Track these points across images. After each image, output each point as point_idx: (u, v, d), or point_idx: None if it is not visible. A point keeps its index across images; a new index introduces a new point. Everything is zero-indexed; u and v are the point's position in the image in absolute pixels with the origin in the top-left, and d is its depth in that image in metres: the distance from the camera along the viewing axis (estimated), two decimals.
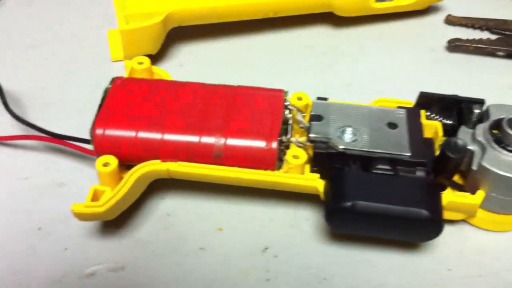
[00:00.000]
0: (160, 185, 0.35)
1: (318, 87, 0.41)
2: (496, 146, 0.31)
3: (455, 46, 0.45)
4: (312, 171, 0.32)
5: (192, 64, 0.44)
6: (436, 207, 0.29)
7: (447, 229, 0.34)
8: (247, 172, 0.30)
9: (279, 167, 0.31)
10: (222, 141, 0.30)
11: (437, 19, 0.48)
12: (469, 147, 0.32)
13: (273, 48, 0.45)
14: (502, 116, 0.32)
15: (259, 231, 0.33)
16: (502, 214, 0.33)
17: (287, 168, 0.31)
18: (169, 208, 0.34)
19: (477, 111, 0.33)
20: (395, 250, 0.33)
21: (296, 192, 0.32)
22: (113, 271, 0.31)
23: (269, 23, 0.46)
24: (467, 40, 0.45)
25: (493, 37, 0.46)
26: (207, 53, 0.45)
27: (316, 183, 0.31)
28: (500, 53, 0.45)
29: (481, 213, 0.33)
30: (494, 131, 0.32)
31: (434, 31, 0.47)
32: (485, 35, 0.47)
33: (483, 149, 0.31)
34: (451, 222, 0.34)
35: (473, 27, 0.47)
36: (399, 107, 0.34)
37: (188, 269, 0.32)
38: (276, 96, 0.33)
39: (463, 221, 0.34)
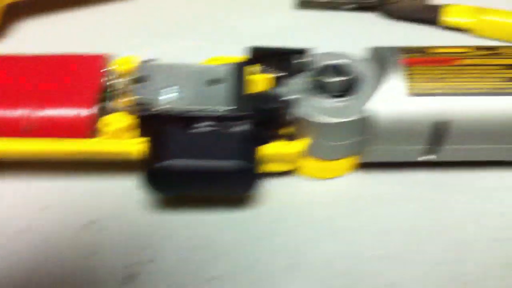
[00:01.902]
0: None
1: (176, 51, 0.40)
2: (315, 93, 0.31)
3: (302, 2, 0.45)
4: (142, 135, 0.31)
5: (37, 41, 0.42)
6: (250, 158, 0.29)
7: (279, 181, 0.34)
8: (56, 142, 0.29)
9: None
10: (30, 112, 0.29)
11: None
12: (290, 97, 0.32)
13: (126, 16, 0.44)
14: (322, 64, 0.32)
15: (87, 206, 0.32)
16: (329, 160, 0.33)
17: (107, 135, 0.30)
18: None
19: (301, 60, 0.33)
20: (227, 208, 0.33)
21: (126, 161, 0.31)
22: None
23: None
24: None
25: None
26: (59, 27, 0.43)
27: (131, 147, 0.30)
28: (349, 6, 0.45)
29: (310, 162, 0.33)
30: (314, 78, 0.32)
31: None
32: None
33: (305, 97, 0.31)
34: (283, 174, 0.34)
35: None
36: (227, 63, 0.33)
37: (12, 251, 0.30)
38: (95, 62, 0.32)
39: (295, 172, 0.34)
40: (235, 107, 0.31)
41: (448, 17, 0.44)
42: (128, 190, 0.33)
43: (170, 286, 0.30)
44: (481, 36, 0.43)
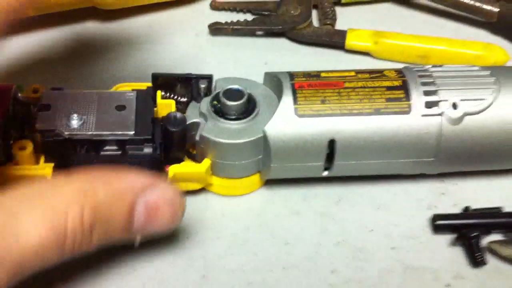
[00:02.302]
0: None
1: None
2: (216, 116, 0.34)
3: (215, 29, 0.48)
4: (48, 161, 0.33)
5: None
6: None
7: (189, 199, 0.36)
8: None
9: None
10: None
11: (203, 6, 0.51)
12: (193, 120, 0.34)
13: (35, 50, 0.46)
14: (221, 89, 0.35)
15: None
16: (234, 178, 0.36)
17: (17, 161, 0.32)
18: None
19: (203, 85, 0.36)
20: None
21: None
22: None
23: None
24: (226, 23, 0.48)
25: (255, 17, 0.49)
26: None
27: (44, 171, 0.32)
28: (259, 32, 0.48)
29: (216, 180, 0.36)
30: (215, 102, 0.35)
31: (200, 17, 0.49)
32: (248, 17, 0.50)
33: (206, 120, 0.34)
34: (193, 192, 0.36)
35: (236, 10, 0.50)
36: (133, 90, 0.36)
37: None
38: (4, 90, 0.33)
39: (205, 190, 0.37)
40: (140, 131, 0.33)
41: (351, 41, 0.47)
42: None
43: None
44: (381, 58, 0.47)
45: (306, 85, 0.35)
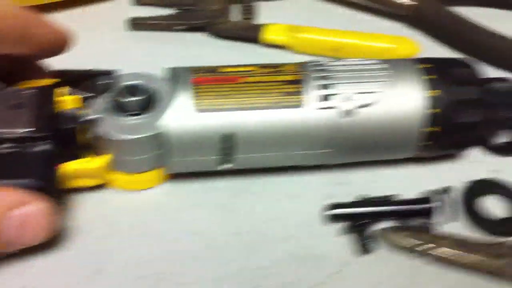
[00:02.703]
0: None
1: None
2: (115, 112, 0.35)
3: (134, 24, 0.49)
4: None
5: None
6: (46, 175, 0.33)
7: (90, 195, 0.37)
8: None
9: None
10: None
11: (125, 1, 0.52)
12: (92, 116, 0.35)
13: None
14: (120, 85, 0.36)
15: None
16: (136, 173, 0.37)
17: None
18: None
19: (105, 81, 0.37)
20: None
21: None
22: None
23: None
24: (145, 18, 0.49)
25: (175, 13, 0.50)
26: None
27: None
28: (180, 27, 0.49)
29: (117, 176, 0.37)
30: (115, 98, 0.36)
31: (122, 13, 0.50)
32: (170, 11, 0.51)
33: (106, 116, 0.35)
34: (94, 188, 0.37)
35: (158, 5, 0.51)
36: (33, 87, 0.36)
37: None
38: None
39: (107, 185, 0.38)
40: (35, 128, 0.34)
41: (267, 36, 0.48)
42: None
43: None
44: (297, 51, 0.49)
45: (205, 80, 0.36)
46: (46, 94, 0.36)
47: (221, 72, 0.37)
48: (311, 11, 0.53)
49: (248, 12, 0.50)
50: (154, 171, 0.37)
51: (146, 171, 0.37)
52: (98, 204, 0.37)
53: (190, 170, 0.38)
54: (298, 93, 0.36)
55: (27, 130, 0.33)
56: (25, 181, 0.32)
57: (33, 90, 0.36)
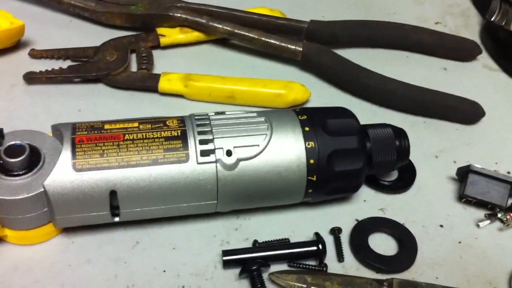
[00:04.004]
0: None
1: None
2: (1, 172, 0.37)
3: (30, 78, 0.51)
4: None
5: None
6: None
7: None
8: None
9: None
10: None
11: (23, 54, 0.54)
12: None
13: None
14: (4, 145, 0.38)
15: None
16: (26, 229, 0.39)
17: None
18: None
19: None
20: None
21: None
22: None
23: None
24: (40, 72, 0.51)
25: (71, 65, 0.53)
26: None
27: None
28: (76, 79, 0.52)
29: (9, 232, 0.39)
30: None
31: (19, 67, 0.52)
32: (67, 64, 0.53)
33: None
34: None
35: (55, 58, 0.53)
36: None
37: None
38: None
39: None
40: None
41: (163, 85, 0.52)
42: None
43: None
44: (193, 99, 0.52)
45: (86, 139, 0.39)
46: None
47: (105, 130, 0.40)
48: (209, 58, 0.56)
49: (145, 61, 0.53)
50: (44, 227, 0.40)
51: (35, 227, 0.39)
52: None
53: (79, 224, 0.40)
54: (180, 148, 0.39)
55: None
56: None
57: None
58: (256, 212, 0.44)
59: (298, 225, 0.44)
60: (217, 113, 0.42)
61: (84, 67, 0.52)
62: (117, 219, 0.40)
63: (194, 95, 0.52)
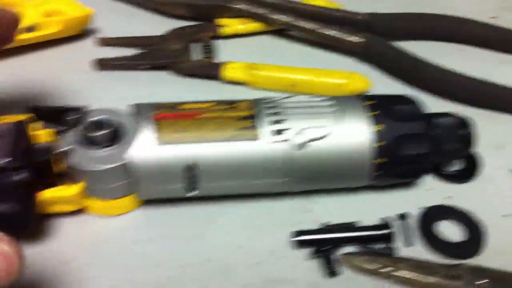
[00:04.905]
0: None
1: None
2: (85, 145, 0.41)
3: (101, 64, 0.55)
4: None
5: None
6: (23, 201, 0.38)
7: (65, 221, 0.43)
8: None
9: None
10: None
11: (90, 42, 0.58)
12: (64, 148, 0.41)
13: None
14: (89, 119, 0.42)
15: None
16: (109, 199, 0.43)
17: None
18: None
19: (75, 116, 0.43)
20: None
21: None
22: None
23: None
24: (111, 59, 0.55)
25: (138, 53, 0.57)
26: None
27: None
28: (144, 67, 0.56)
29: (93, 202, 0.43)
30: (84, 132, 0.42)
31: (87, 53, 0.56)
32: (133, 52, 0.57)
33: (75, 148, 0.41)
34: (73, 213, 0.43)
35: (122, 46, 0.57)
36: (8, 122, 0.42)
37: None
38: None
39: (82, 211, 0.43)
40: (12, 159, 0.39)
41: (227, 73, 0.55)
42: None
43: None
44: (255, 87, 0.55)
45: (167, 116, 0.42)
46: (20, 128, 0.41)
47: (181, 109, 0.43)
48: (269, 48, 0.60)
49: (208, 50, 0.57)
50: (126, 198, 0.43)
51: (118, 198, 0.43)
52: (74, 230, 0.43)
53: (158, 197, 0.44)
54: (252, 127, 0.42)
55: (4, 160, 0.39)
56: (6, 206, 0.37)
57: (8, 125, 0.41)
58: (324, 195, 0.46)
59: (364, 209, 0.46)
60: (285, 97, 0.45)
61: (151, 55, 0.56)
62: (195, 192, 0.43)
63: (257, 84, 0.55)
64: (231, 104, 0.44)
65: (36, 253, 0.41)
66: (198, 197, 0.44)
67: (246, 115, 0.43)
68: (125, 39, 0.58)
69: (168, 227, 0.44)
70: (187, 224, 0.44)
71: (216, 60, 0.57)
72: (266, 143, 0.42)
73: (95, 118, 0.42)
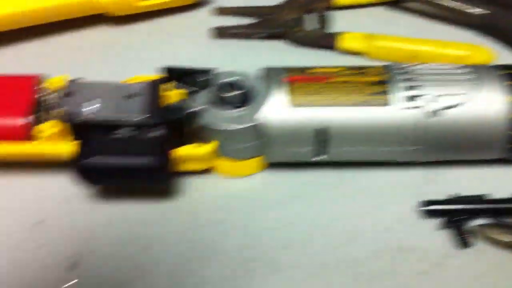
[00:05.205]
0: None
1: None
2: (218, 105, 0.42)
3: (218, 33, 0.55)
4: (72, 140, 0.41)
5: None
6: (162, 156, 0.39)
7: (196, 179, 0.44)
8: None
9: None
10: None
11: (205, 11, 0.59)
12: (197, 108, 0.42)
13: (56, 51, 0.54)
14: (222, 81, 0.42)
15: (32, 204, 0.42)
16: (238, 160, 0.43)
17: (42, 139, 0.40)
18: None
19: (206, 78, 0.43)
20: (149, 203, 0.42)
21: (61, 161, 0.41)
22: None
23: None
24: (228, 27, 0.55)
25: (254, 22, 0.57)
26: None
27: (64, 148, 0.39)
28: (259, 36, 0.56)
29: (222, 162, 0.43)
30: (216, 93, 0.42)
31: (203, 22, 0.57)
32: (247, 21, 0.57)
33: (208, 108, 0.41)
34: (200, 173, 0.44)
35: (238, 14, 0.58)
36: (144, 81, 0.43)
37: None
38: (30, 80, 0.42)
39: (212, 170, 0.44)
40: (149, 116, 0.40)
41: (344, 43, 0.55)
42: (66, 187, 0.42)
43: (106, 276, 0.38)
44: (372, 58, 0.54)
45: (299, 79, 0.42)
46: (155, 87, 0.42)
47: (311, 73, 0.43)
48: (383, 20, 0.59)
49: (323, 21, 0.57)
50: (253, 159, 0.44)
51: (247, 159, 0.43)
52: (204, 187, 0.44)
53: (287, 160, 0.44)
54: (385, 93, 0.42)
55: (142, 117, 0.40)
56: (144, 160, 0.38)
57: (145, 83, 0.42)
58: (449, 166, 0.45)
59: (492, 182, 0.45)
60: (415, 64, 0.44)
61: (266, 24, 0.56)
62: (322, 157, 0.43)
63: (374, 54, 0.54)
64: (360, 69, 0.44)
65: (167, 209, 0.42)
66: (322, 162, 0.44)
67: (377, 80, 0.42)
68: (240, 8, 0.58)
69: (293, 191, 0.44)
70: (312, 188, 0.44)
71: (330, 31, 0.56)
72: (398, 109, 0.42)
73: (228, 79, 0.42)
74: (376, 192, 0.44)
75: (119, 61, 0.53)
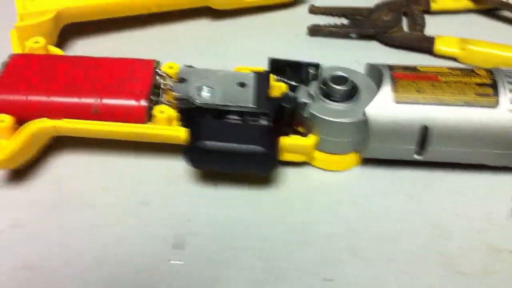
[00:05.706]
0: (54, 151, 0.45)
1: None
2: (323, 98, 0.43)
3: (313, 30, 0.57)
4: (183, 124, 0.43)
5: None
6: (271, 145, 0.41)
7: (292, 170, 0.45)
8: (120, 125, 0.41)
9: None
10: (98, 100, 0.41)
11: (302, 10, 0.61)
12: (303, 100, 0.43)
13: (162, 40, 0.57)
14: (329, 74, 0.44)
15: (140, 185, 0.44)
16: (337, 154, 0.44)
17: (156, 122, 0.42)
18: (61, 171, 0.45)
19: (311, 71, 0.45)
20: (247, 189, 0.44)
21: (170, 144, 0.43)
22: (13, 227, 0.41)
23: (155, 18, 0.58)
24: (323, 26, 0.57)
25: (349, 21, 0.58)
26: (102, 47, 0.55)
27: (179, 132, 0.41)
28: (353, 35, 0.57)
29: (319, 155, 0.45)
30: (322, 86, 0.44)
31: (299, 20, 0.59)
32: (342, 21, 0.59)
33: (314, 100, 0.43)
34: (296, 164, 0.45)
35: (332, 14, 0.59)
36: (252, 71, 0.45)
37: (75, 225, 0.42)
38: (148, 64, 0.44)
39: (307, 163, 0.46)
40: (258, 105, 0.42)
41: (439, 47, 0.55)
42: (175, 169, 0.45)
43: (209, 255, 0.40)
44: (467, 63, 0.55)
45: (404, 76, 0.43)
46: (264, 78, 0.44)
47: (419, 71, 0.44)
48: (475, 26, 0.59)
49: (418, 23, 0.58)
50: (351, 154, 0.45)
51: (345, 153, 0.45)
52: (300, 178, 0.45)
53: (384, 157, 0.45)
54: (491, 95, 0.42)
55: (253, 106, 0.42)
56: (254, 147, 0.40)
57: (255, 73, 0.44)
58: None
59: None
60: None
61: (361, 24, 0.58)
62: (418, 157, 0.44)
63: (470, 59, 0.55)
64: (468, 70, 0.44)
65: (263, 196, 0.44)
66: (414, 162, 0.45)
67: (485, 82, 0.43)
68: (336, 8, 0.60)
69: (386, 187, 0.45)
70: (404, 186, 0.45)
71: (424, 34, 0.57)
72: (504, 111, 0.42)
73: (335, 74, 0.44)
74: (468, 194, 0.45)
75: (220, 52, 0.56)
